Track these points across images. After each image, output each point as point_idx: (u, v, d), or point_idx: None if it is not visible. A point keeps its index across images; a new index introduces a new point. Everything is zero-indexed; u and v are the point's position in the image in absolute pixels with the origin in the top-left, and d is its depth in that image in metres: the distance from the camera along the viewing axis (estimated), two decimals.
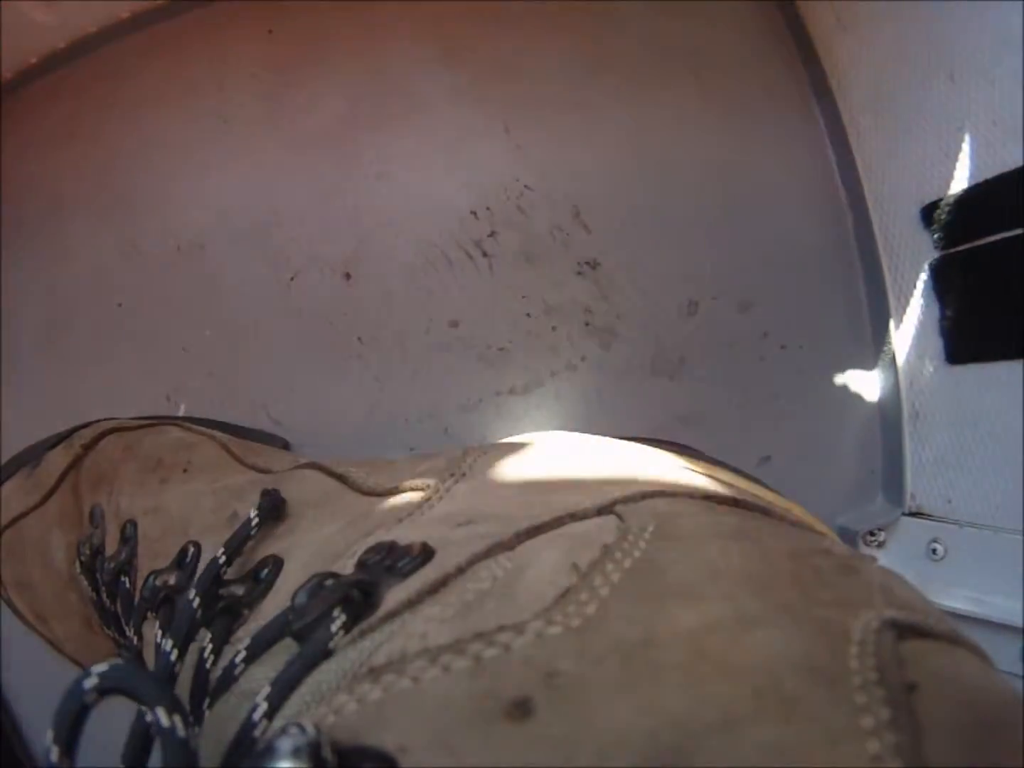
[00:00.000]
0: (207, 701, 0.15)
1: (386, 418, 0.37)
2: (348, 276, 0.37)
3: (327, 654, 0.13)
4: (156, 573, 0.21)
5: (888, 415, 0.36)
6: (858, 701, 0.09)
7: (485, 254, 0.37)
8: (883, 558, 0.34)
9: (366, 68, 0.38)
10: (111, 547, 0.25)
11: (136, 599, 0.22)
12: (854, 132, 0.35)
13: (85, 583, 0.27)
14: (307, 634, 0.14)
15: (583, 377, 0.37)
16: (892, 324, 0.35)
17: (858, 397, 0.37)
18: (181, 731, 0.11)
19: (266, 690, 0.13)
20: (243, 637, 0.16)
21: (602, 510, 0.16)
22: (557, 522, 0.16)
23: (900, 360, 0.35)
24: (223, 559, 0.19)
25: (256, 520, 0.20)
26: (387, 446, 0.36)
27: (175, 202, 0.38)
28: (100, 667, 0.12)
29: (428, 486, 0.20)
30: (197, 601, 0.17)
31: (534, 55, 0.37)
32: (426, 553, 0.15)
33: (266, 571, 0.18)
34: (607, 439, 0.23)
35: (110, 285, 0.38)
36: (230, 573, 0.19)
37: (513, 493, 0.18)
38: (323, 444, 0.36)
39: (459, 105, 0.37)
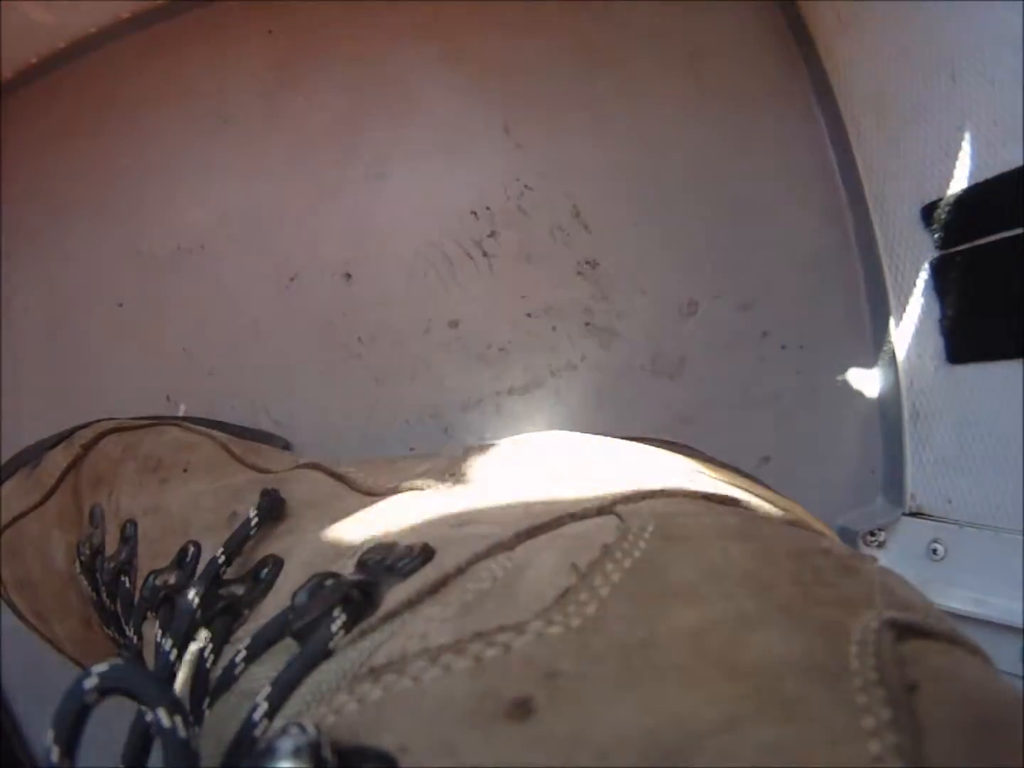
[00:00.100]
0: (207, 701, 0.15)
1: (386, 418, 0.37)
2: (348, 276, 0.37)
3: (327, 654, 0.13)
4: (156, 573, 0.21)
5: (888, 415, 0.36)
6: (859, 701, 0.09)
7: (485, 254, 0.37)
8: (883, 558, 0.34)
9: (366, 68, 0.38)
10: (111, 547, 0.25)
11: (136, 599, 0.22)
12: (854, 132, 0.35)
13: (85, 583, 0.27)
14: (307, 634, 0.14)
15: (583, 377, 0.37)
16: (892, 324, 0.35)
17: (858, 397, 0.37)
18: (182, 731, 0.11)
19: (266, 690, 0.13)
20: (243, 637, 0.16)
21: (602, 510, 0.16)
22: (557, 522, 0.16)
23: (900, 360, 0.35)
24: (222, 559, 0.19)
25: (256, 520, 0.20)
26: (387, 446, 0.36)
27: (175, 202, 0.38)
28: (100, 667, 0.12)
29: (428, 486, 0.20)
30: (197, 601, 0.17)
31: (534, 55, 0.37)
32: (426, 553, 0.15)
33: (266, 571, 0.18)
34: (607, 439, 0.23)
35: (110, 285, 0.38)
36: (230, 573, 0.19)
37: (513, 493, 0.18)
38: (323, 444, 0.36)
39: (459, 105, 0.37)
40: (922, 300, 0.33)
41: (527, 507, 0.17)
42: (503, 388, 0.37)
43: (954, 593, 0.31)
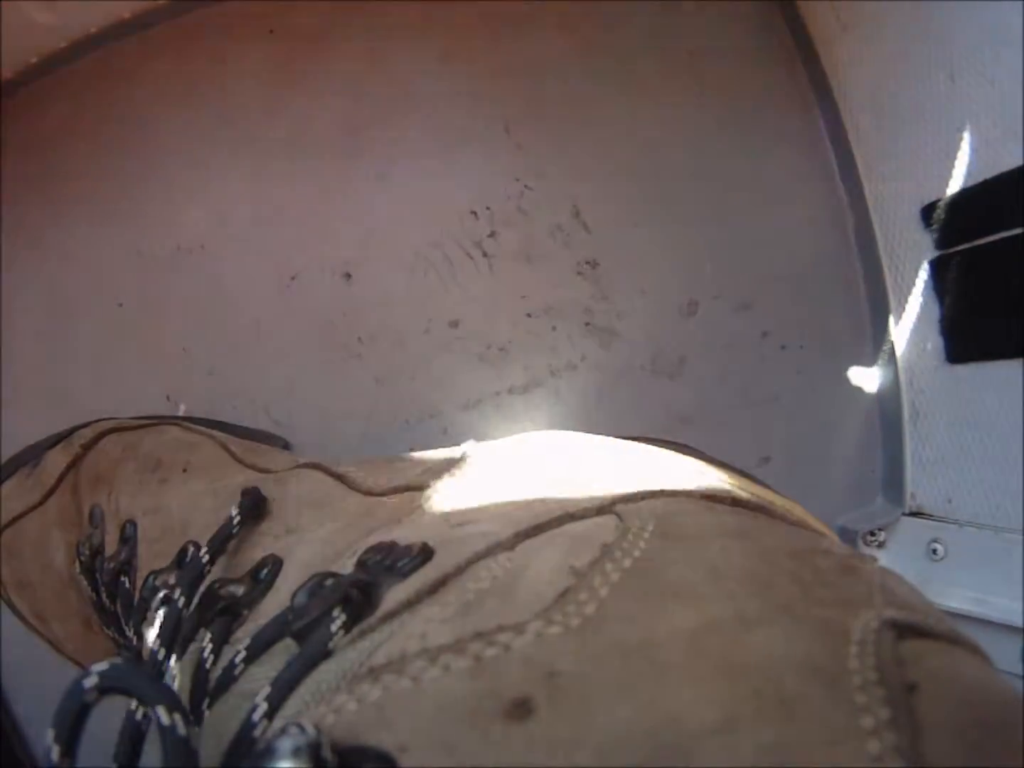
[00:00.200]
0: (207, 701, 0.15)
1: (386, 418, 0.37)
2: (348, 276, 0.37)
3: (327, 654, 0.13)
4: (156, 573, 0.21)
5: (888, 415, 0.36)
6: (858, 701, 0.09)
7: (485, 254, 0.37)
8: (883, 558, 0.34)
9: (366, 68, 0.38)
10: (111, 547, 0.25)
11: (136, 599, 0.22)
12: (854, 132, 0.35)
13: (85, 583, 0.27)
14: (307, 634, 0.14)
15: (583, 377, 0.37)
16: (892, 323, 0.35)
17: (858, 397, 0.37)
18: (181, 730, 0.11)
19: (266, 690, 0.13)
20: (243, 637, 0.16)
21: (602, 510, 0.16)
22: (557, 522, 0.16)
23: (900, 359, 0.35)
24: (206, 558, 0.19)
25: (238, 519, 0.20)
26: (387, 446, 0.36)
27: (176, 202, 0.38)
28: (100, 666, 0.12)
29: (428, 486, 0.20)
30: (182, 600, 0.17)
31: (534, 55, 0.37)
32: (426, 553, 0.15)
33: (265, 571, 0.18)
34: (607, 439, 0.23)
35: (110, 285, 0.38)
36: (229, 573, 0.19)
37: (513, 493, 0.18)
38: (323, 444, 0.36)
39: (459, 105, 0.37)
40: (922, 300, 0.33)
41: (527, 507, 0.17)
42: (503, 388, 0.37)
43: (954, 593, 0.31)
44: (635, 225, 0.37)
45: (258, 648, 0.15)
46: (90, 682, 0.12)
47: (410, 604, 0.13)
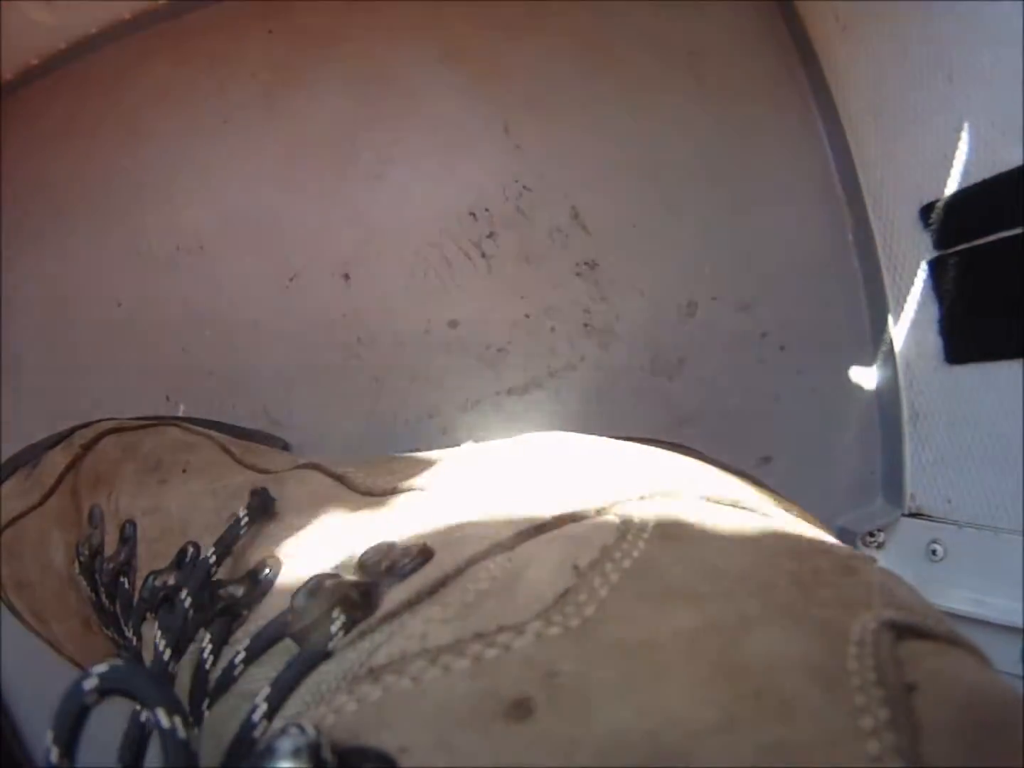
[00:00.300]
0: (207, 702, 0.15)
1: (386, 418, 0.37)
2: (347, 276, 0.37)
3: (326, 655, 0.13)
4: (155, 573, 0.21)
5: (888, 415, 0.36)
6: (857, 702, 0.09)
7: (484, 255, 0.37)
8: (883, 559, 0.34)
9: (366, 68, 0.38)
10: (110, 547, 0.25)
11: (135, 600, 0.22)
12: (852, 132, 0.35)
13: (84, 583, 0.27)
14: (306, 635, 0.14)
15: (582, 377, 0.37)
16: (891, 324, 0.35)
17: (858, 397, 0.37)
18: (182, 732, 0.11)
19: (266, 691, 0.13)
20: (242, 638, 0.16)
21: (601, 510, 0.16)
22: (556, 522, 0.16)
23: (899, 360, 0.35)
24: (213, 559, 0.19)
25: (246, 519, 0.20)
26: (386, 446, 0.36)
27: (175, 202, 0.38)
28: (100, 667, 0.12)
29: (427, 486, 0.20)
30: (189, 601, 0.17)
31: (534, 55, 0.37)
32: (425, 553, 0.15)
33: (265, 572, 0.18)
34: (607, 439, 0.23)
35: (110, 285, 0.38)
36: (229, 573, 0.19)
37: (512, 494, 0.18)
38: (323, 444, 0.36)
39: (459, 105, 0.37)
40: (921, 300, 0.33)
41: (527, 507, 0.17)
42: (502, 388, 0.37)
43: (953, 593, 0.31)
44: (634, 226, 0.37)
45: (258, 649, 0.15)
46: (90, 684, 0.12)
47: (410, 605, 0.13)
